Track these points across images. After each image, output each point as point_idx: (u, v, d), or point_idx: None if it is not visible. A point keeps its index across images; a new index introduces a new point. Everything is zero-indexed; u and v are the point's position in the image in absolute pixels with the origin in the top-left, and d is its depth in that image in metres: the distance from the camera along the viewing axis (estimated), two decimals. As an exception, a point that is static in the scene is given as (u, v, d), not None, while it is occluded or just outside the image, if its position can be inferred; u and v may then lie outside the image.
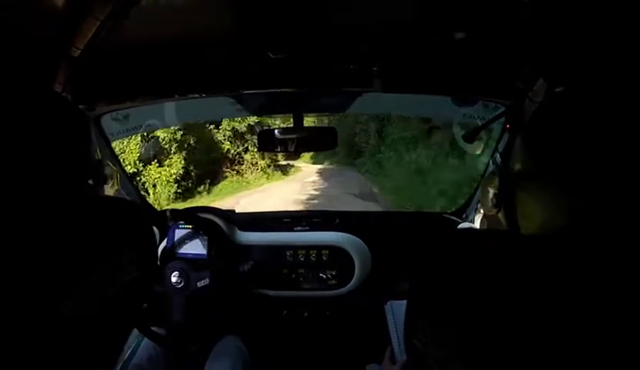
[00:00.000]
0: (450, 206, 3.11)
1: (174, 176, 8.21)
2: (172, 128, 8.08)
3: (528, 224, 0.44)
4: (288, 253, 1.25)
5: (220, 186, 9.99)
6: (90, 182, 0.53)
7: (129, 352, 1.01)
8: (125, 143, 7.39)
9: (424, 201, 5.72)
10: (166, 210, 1.20)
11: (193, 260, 1.12)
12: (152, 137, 7.89)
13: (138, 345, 1.04)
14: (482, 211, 1.18)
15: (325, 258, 1.24)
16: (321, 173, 12.13)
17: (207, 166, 9.70)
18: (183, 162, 8.47)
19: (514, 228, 0.45)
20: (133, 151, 7.60)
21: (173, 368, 1.08)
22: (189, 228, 1.19)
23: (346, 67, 0.93)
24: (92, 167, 1.00)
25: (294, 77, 0.96)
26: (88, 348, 0.45)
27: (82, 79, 0.83)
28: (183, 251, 1.18)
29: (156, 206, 2.08)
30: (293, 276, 1.24)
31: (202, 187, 9.20)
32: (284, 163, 12.84)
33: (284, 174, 12.12)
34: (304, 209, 6.25)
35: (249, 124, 9.82)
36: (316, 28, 0.79)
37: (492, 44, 0.80)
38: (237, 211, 1.37)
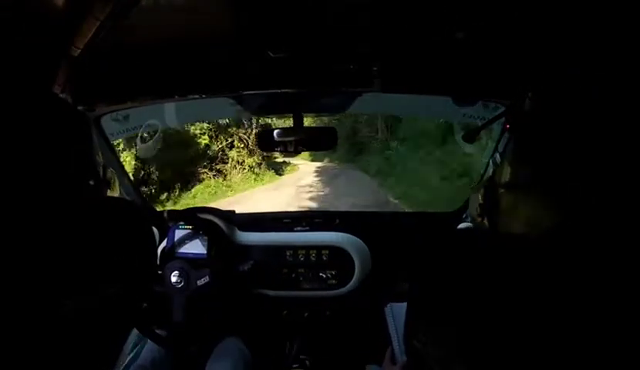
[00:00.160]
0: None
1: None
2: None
3: (527, 224, 0.44)
4: (288, 254, 1.25)
5: (193, 191, 8.07)
6: (90, 182, 0.53)
7: (132, 354, 1.01)
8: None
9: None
10: (164, 210, 1.20)
11: (193, 260, 1.12)
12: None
13: (142, 347, 1.04)
14: (481, 211, 1.18)
15: (324, 258, 1.24)
16: (320, 172, 10.77)
17: (178, 166, 7.67)
18: (136, 162, 6.26)
19: (513, 228, 0.45)
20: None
21: (174, 365, 1.08)
22: (189, 228, 1.19)
23: (346, 67, 0.93)
24: (92, 168, 1.00)
25: (294, 77, 0.96)
26: (88, 347, 0.45)
27: (82, 80, 0.83)
28: (183, 251, 1.18)
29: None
30: (293, 276, 1.24)
31: (167, 195, 7.30)
32: (280, 160, 11.44)
33: (277, 174, 10.73)
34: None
35: (234, 115, 8.48)
36: (316, 28, 0.79)
37: (492, 44, 0.80)
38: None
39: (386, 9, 0.71)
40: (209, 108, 1.50)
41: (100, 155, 1.14)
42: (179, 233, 1.19)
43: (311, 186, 8.84)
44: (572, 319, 0.35)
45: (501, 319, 0.37)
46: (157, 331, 1.02)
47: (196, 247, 1.18)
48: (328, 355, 1.29)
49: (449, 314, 0.40)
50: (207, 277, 1.08)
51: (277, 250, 1.25)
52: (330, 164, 12.37)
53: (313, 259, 1.24)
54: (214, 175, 8.84)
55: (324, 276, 1.23)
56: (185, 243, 1.19)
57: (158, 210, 1.67)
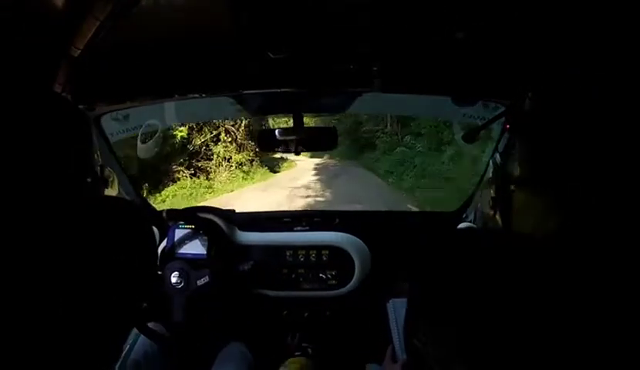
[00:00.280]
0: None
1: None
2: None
3: (528, 224, 0.44)
4: (288, 254, 1.25)
5: (164, 194, 6.83)
6: (90, 182, 0.53)
7: (126, 349, 1.01)
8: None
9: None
10: (164, 210, 1.20)
11: (192, 261, 1.12)
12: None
13: (135, 342, 1.04)
14: (482, 211, 1.18)
15: (324, 258, 1.24)
16: (319, 170, 9.65)
17: (148, 163, 6.12)
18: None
19: (514, 228, 0.45)
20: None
21: (173, 365, 1.08)
22: (189, 228, 1.19)
23: (346, 67, 0.93)
24: (92, 167, 1.00)
25: (294, 77, 0.96)
26: (88, 347, 0.45)
27: (82, 79, 0.83)
28: (183, 251, 1.18)
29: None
30: (293, 276, 1.24)
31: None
32: (277, 156, 10.35)
33: (271, 171, 9.70)
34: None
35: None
36: (316, 28, 0.79)
37: (492, 44, 0.80)
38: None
39: (386, 9, 0.71)
40: (209, 107, 1.49)
41: (100, 155, 1.14)
42: (179, 233, 1.19)
43: (308, 187, 7.63)
44: (573, 319, 0.35)
45: (501, 319, 0.37)
46: (157, 331, 1.02)
47: (196, 247, 1.18)
48: (329, 355, 1.29)
49: (449, 313, 0.40)
50: (207, 277, 1.08)
51: (277, 250, 1.25)
52: (330, 161, 11.27)
53: (313, 259, 1.24)
54: (193, 174, 7.59)
55: (324, 276, 1.23)
56: (185, 243, 1.19)
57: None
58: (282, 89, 0.98)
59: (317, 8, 0.71)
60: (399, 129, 8.17)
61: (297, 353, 1.22)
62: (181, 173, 7.54)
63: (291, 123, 1.09)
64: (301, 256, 1.25)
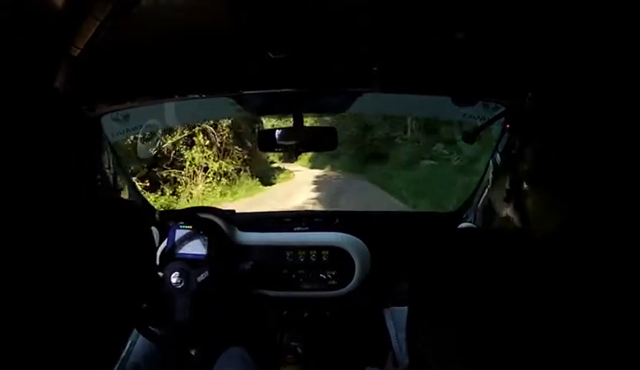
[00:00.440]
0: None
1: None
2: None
3: (528, 224, 0.44)
4: (288, 254, 1.25)
5: None
6: (90, 182, 0.53)
7: (125, 351, 1.01)
8: None
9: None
10: (164, 210, 1.20)
11: (193, 261, 1.12)
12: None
13: (133, 344, 1.04)
14: (482, 211, 1.18)
15: (324, 259, 1.24)
16: (319, 185, 7.93)
17: None
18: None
19: (514, 228, 0.45)
20: None
21: (173, 368, 1.08)
22: (189, 228, 1.19)
23: (346, 67, 0.93)
24: (93, 168, 1.00)
25: (294, 77, 0.96)
26: (88, 347, 0.45)
27: (82, 80, 0.83)
28: (183, 252, 1.18)
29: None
30: (293, 276, 1.24)
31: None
32: (274, 165, 9.46)
33: (263, 184, 7.99)
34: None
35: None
36: (316, 28, 0.79)
37: (492, 44, 0.80)
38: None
39: (386, 9, 0.71)
40: (209, 108, 1.50)
41: (100, 155, 1.14)
42: (179, 234, 1.19)
43: (303, 209, 5.81)
44: (573, 319, 0.35)
45: (501, 319, 0.37)
46: (156, 332, 1.02)
47: (196, 248, 1.18)
48: (328, 356, 1.29)
49: (449, 313, 0.40)
50: (207, 271, 1.08)
51: (277, 250, 1.25)
52: (333, 173, 9.58)
53: (313, 259, 1.24)
54: (147, 188, 5.73)
55: (324, 276, 1.23)
56: (185, 244, 1.19)
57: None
58: (282, 90, 0.98)
59: (317, 8, 0.71)
60: (422, 136, 6.24)
61: (288, 355, 1.22)
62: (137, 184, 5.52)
63: (284, 123, 1.09)
64: (301, 256, 1.25)
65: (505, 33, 0.76)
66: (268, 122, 7.21)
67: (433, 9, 0.70)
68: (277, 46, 0.83)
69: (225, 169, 6.83)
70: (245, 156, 7.25)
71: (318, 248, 1.24)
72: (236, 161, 7.19)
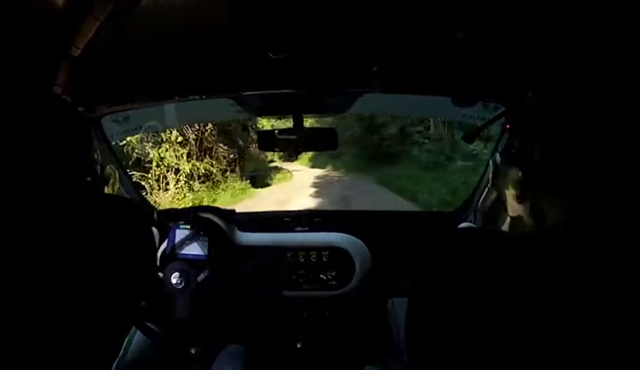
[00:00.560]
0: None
1: None
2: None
3: (528, 224, 0.44)
4: (288, 254, 1.25)
5: None
6: (90, 182, 0.53)
7: (124, 348, 1.01)
8: None
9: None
10: (164, 210, 1.20)
11: (193, 261, 1.12)
12: None
13: (130, 341, 1.04)
14: (482, 211, 1.18)
15: (324, 259, 1.24)
16: (319, 190, 7.09)
17: None
18: None
19: (514, 228, 0.45)
20: None
21: (171, 366, 1.08)
22: (189, 228, 1.19)
23: (346, 67, 0.93)
24: (92, 168, 1.00)
25: (294, 78, 0.96)
26: (87, 347, 0.45)
27: (82, 80, 0.83)
28: (183, 252, 1.18)
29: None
30: (293, 276, 1.24)
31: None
32: (272, 165, 8.73)
33: (254, 185, 7.00)
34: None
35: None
36: (316, 28, 0.79)
37: (492, 44, 0.80)
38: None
39: (386, 9, 0.71)
40: (209, 109, 1.50)
41: (100, 155, 1.14)
42: (179, 234, 1.19)
43: None
44: (573, 319, 0.35)
45: (501, 319, 0.37)
46: (156, 330, 1.02)
47: (196, 248, 1.18)
48: (328, 356, 1.29)
49: (449, 313, 0.40)
50: (206, 270, 1.08)
51: (278, 251, 1.25)
52: (334, 174, 8.81)
53: (313, 259, 1.24)
54: None
55: (324, 276, 1.23)
56: (185, 244, 1.19)
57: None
58: (282, 90, 0.98)
59: (317, 8, 0.71)
60: (448, 132, 5.32)
61: (288, 355, 1.21)
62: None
63: (283, 123, 1.09)
64: (301, 256, 1.25)
65: (505, 33, 0.76)
66: (268, 123, 7.20)
67: (433, 9, 0.70)
68: (278, 46, 0.83)
69: (205, 171, 5.89)
70: (232, 156, 6.31)
71: (318, 248, 1.24)
72: (221, 161, 6.27)
